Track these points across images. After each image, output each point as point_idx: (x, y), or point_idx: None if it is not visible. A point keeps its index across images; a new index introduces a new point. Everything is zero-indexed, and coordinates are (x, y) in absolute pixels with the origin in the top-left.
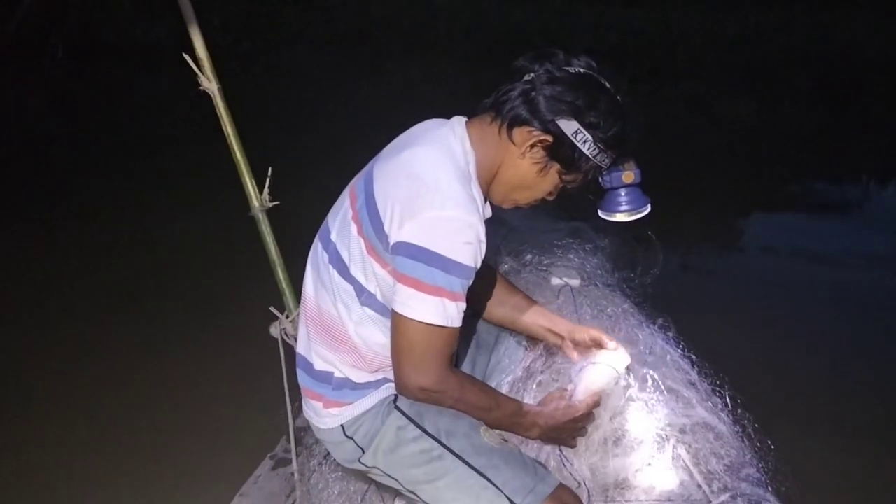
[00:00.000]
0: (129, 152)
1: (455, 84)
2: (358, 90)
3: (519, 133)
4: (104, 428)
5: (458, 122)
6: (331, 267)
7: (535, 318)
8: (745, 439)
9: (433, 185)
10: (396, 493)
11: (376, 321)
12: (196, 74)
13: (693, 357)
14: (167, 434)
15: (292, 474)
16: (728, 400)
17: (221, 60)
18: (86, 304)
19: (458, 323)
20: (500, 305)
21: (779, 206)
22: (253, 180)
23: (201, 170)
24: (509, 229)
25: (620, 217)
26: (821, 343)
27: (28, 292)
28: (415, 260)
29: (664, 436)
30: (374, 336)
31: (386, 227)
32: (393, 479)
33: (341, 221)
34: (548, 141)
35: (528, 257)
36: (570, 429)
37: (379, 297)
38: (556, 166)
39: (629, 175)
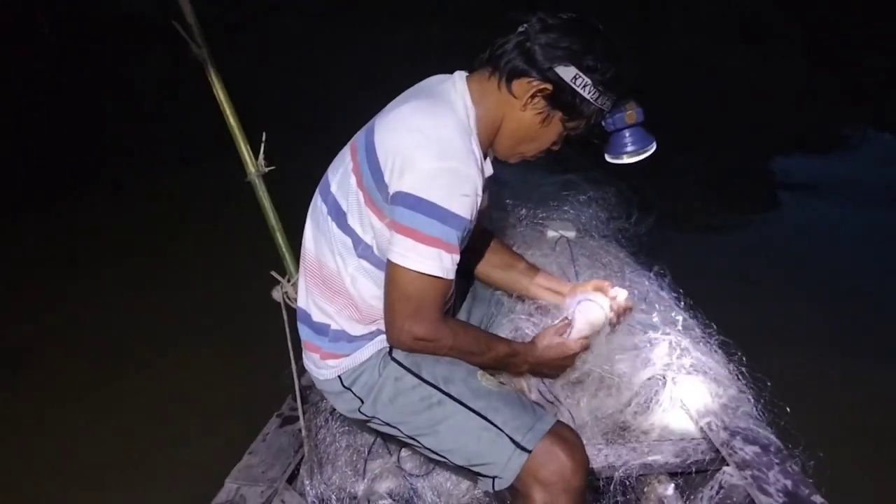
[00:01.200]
0: (122, 127)
1: (447, 48)
2: (349, 56)
3: (518, 85)
4: (110, 395)
5: (460, 77)
6: (329, 219)
7: (538, 281)
8: (739, 377)
9: (434, 138)
10: (402, 444)
11: (371, 274)
12: (186, 41)
13: (688, 302)
14: (174, 399)
15: (300, 430)
16: (720, 345)
17: (209, 31)
18: (85, 268)
19: (452, 275)
20: (502, 271)
21: (774, 151)
22: (248, 146)
23: (196, 139)
24: (503, 184)
25: (627, 159)
26: (814, 279)
27: (27, 262)
28: (413, 210)
29: (661, 378)
30: (369, 288)
31: (386, 178)
32: (393, 427)
33: (342, 174)
34: (548, 90)
35: (523, 211)
36: (558, 365)
37: (375, 249)
38: (559, 114)
39: (632, 115)
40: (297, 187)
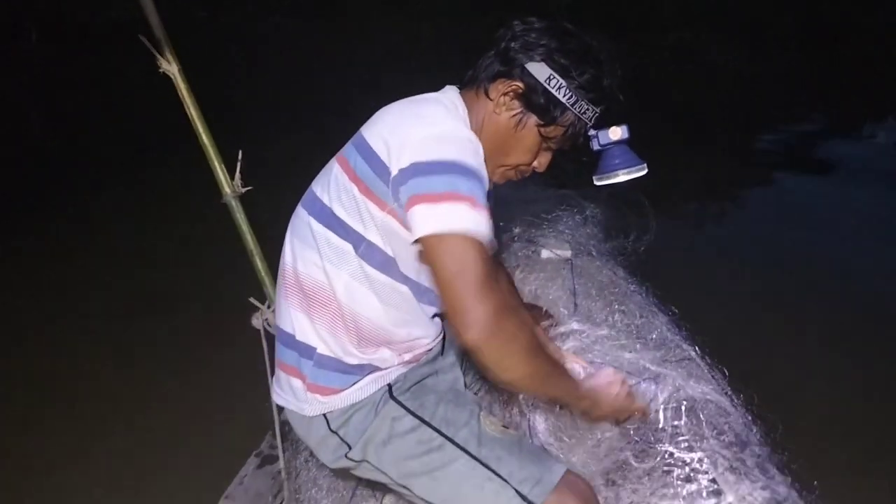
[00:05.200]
0: (109, 137)
1: (440, 47)
2: (340, 59)
3: (494, 88)
4: (82, 432)
5: (450, 88)
6: (320, 225)
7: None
8: (746, 413)
9: (428, 117)
10: (389, 489)
11: (371, 281)
12: (155, 56)
13: (689, 328)
14: (146, 436)
15: (279, 472)
16: (725, 377)
17: (198, 34)
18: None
19: (490, 239)
20: None
21: (766, 154)
22: (222, 165)
23: (187, 150)
24: (495, 201)
25: (614, 179)
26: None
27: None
28: (425, 175)
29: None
30: (366, 298)
31: (384, 159)
32: (383, 473)
33: (331, 180)
34: (520, 88)
35: (517, 230)
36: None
37: (381, 244)
38: (533, 118)
39: (616, 131)
40: (278, 208)
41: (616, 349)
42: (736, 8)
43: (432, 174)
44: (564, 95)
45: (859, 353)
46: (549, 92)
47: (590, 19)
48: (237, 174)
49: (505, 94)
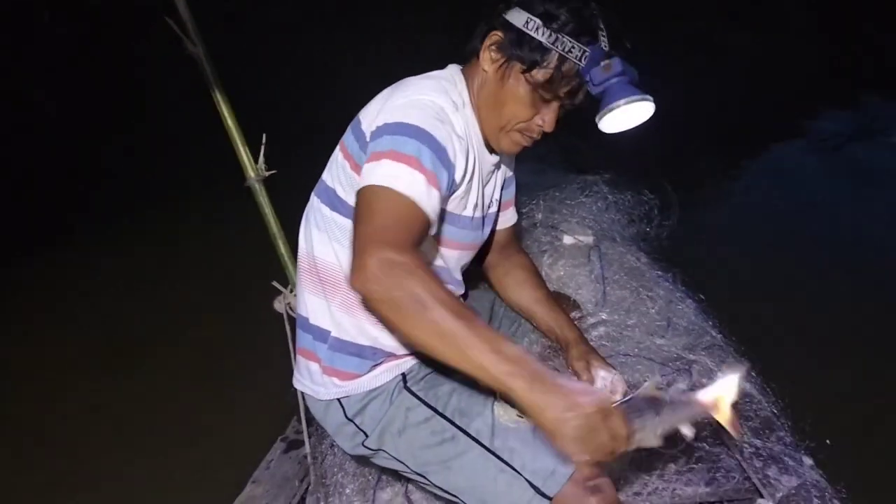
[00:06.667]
0: (124, 123)
1: (455, 30)
2: (352, 45)
3: (481, 48)
4: (110, 419)
5: (452, 66)
6: (323, 206)
7: (549, 316)
8: (771, 398)
9: (412, 88)
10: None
11: None
12: (180, 38)
13: (713, 314)
14: (174, 421)
15: (305, 457)
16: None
17: (207, 20)
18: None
19: (428, 206)
20: (522, 291)
21: (785, 138)
22: (247, 148)
23: (200, 137)
24: (517, 186)
25: (614, 112)
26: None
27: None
28: (380, 136)
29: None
30: None
31: (364, 128)
32: (400, 462)
33: (333, 162)
34: (499, 37)
35: (539, 216)
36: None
37: None
38: (517, 65)
39: (608, 65)
40: (301, 192)
41: (646, 336)
42: None
43: (385, 134)
44: (543, 35)
45: None
46: (527, 34)
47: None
48: (261, 158)
49: (488, 48)
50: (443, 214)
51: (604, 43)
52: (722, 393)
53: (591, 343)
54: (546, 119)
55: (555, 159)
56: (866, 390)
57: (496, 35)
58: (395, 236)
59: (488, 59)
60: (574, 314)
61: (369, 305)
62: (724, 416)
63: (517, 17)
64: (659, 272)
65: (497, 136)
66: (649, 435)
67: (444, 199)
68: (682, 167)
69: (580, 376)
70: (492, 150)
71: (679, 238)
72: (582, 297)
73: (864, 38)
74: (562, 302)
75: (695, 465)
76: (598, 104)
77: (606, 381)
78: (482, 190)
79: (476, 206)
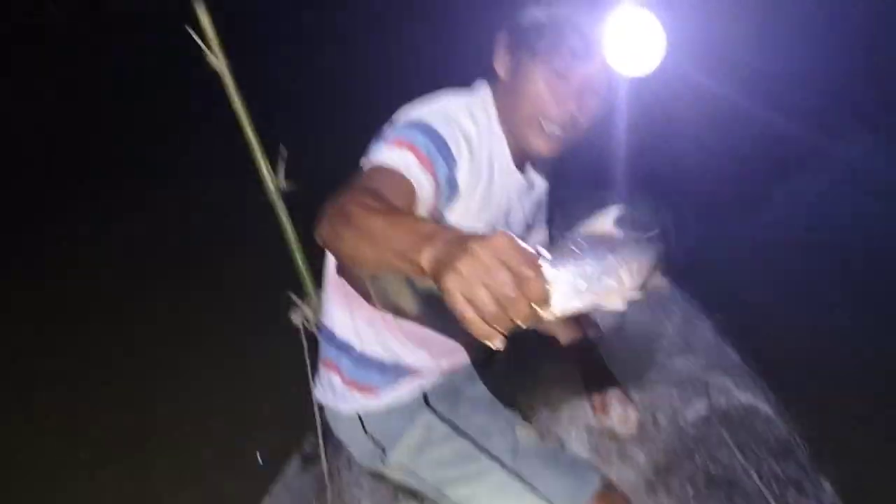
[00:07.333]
0: (136, 136)
1: (482, 37)
2: (372, 53)
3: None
4: (122, 433)
5: (479, 82)
6: None
7: (568, 336)
8: (787, 417)
9: (427, 98)
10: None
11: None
12: (203, 51)
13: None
14: (187, 435)
15: (322, 472)
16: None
17: (220, 28)
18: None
19: (414, 180)
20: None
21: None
22: (267, 161)
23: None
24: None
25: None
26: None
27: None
28: (388, 129)
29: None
30: (401, 290)
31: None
32: (419, 479)
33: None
34: (506, 38)
35: (554, 233)
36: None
37: None
38: (525, 54)
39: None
40: (319, 205)
41: (665, 357)
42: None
43: (387, 129)
44: (541, 15)
45: None
46: (529, 23)
47: None
48: (281, 171)
49: (499, 54)
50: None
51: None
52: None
53: (609, 365)
54: (568, 96)
55: (570, 174)
56: (887, 416)
57: (503, 38)
58: (360, 192)
59: (501, 63)
60: (593, 333)
61: (329, 250)
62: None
63: (520, 15)
64: (676, 290)
65: (527, 137)
66: (587, 287)
67: (444, 196)
68: (699, 183)
69: (594, 405)
70: (521, 169)
71: (696, 255)
72: (600, 315)
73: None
74: (581, 321)
75: (713, 489)
76: None
77: (620, 412)
78: (508, 210)
79: (497, 225)
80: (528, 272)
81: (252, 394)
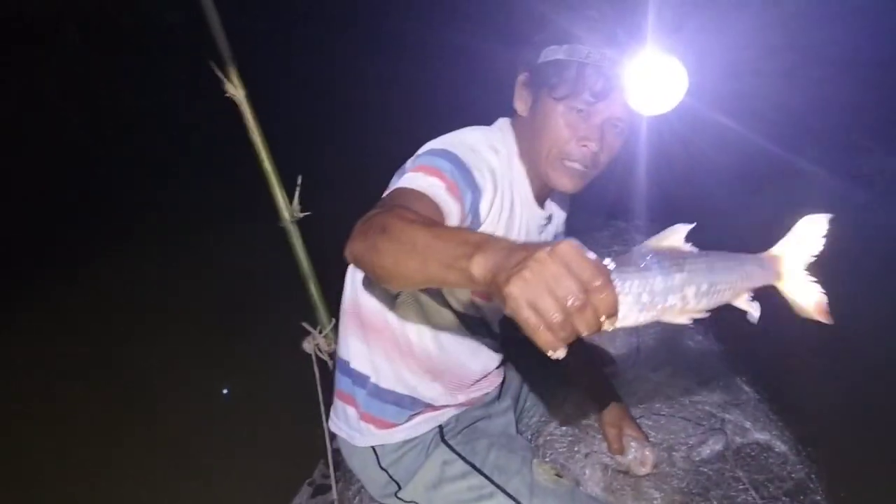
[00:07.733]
0: (151, 159)
1: (486, 54)
2: (380, 71)
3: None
4: (129, 455)
5: (502, 119)
6: None
7: (584, 372)
8: (805, 458)
9: (451, 132)
10: None
11: (421, 303)
12: (221, 80)
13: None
14: (200, 463)
15: (332, 502)
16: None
17: (233, 44)
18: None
19: (441, 200)
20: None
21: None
22: (283, 190)
23: (232, 175)
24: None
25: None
26: None
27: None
28: (414, 159)
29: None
30: (417, 321)
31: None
32: None
33: None
34: (525, 76)
35: None
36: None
37: None
38: (545, 91)
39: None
40: (336, 234)
41: (680, 393)
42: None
43: (413, 160)
44: (561, 53)
45: None
46: (548, 60)
47: None
48: (296, 199)
49: (519, 91)
50: None
51: (621, 38)
52: (797, 248)
53: (624, 401)
54: (588, 134)
55: (584, 204)
56: None
57: (523, 76)
58: (393, 208)
59: (521, 100)
60: (608, 369)
61: (359, 267)
62: (799, 288)
63: (539, 53)
64: (691, 325)
65: (547, 173)
66: (651, 302)
67: (468, 223)
68: (714, 209)
69: (611, 444)
70: (541, 204)
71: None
72: (615, 350)
73: None
74: (596, 356)
75: None
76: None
77: (637, 453)
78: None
79: None
80: (598, 282)
81: (263, 421)
